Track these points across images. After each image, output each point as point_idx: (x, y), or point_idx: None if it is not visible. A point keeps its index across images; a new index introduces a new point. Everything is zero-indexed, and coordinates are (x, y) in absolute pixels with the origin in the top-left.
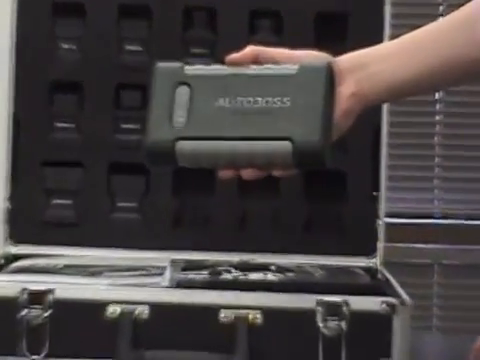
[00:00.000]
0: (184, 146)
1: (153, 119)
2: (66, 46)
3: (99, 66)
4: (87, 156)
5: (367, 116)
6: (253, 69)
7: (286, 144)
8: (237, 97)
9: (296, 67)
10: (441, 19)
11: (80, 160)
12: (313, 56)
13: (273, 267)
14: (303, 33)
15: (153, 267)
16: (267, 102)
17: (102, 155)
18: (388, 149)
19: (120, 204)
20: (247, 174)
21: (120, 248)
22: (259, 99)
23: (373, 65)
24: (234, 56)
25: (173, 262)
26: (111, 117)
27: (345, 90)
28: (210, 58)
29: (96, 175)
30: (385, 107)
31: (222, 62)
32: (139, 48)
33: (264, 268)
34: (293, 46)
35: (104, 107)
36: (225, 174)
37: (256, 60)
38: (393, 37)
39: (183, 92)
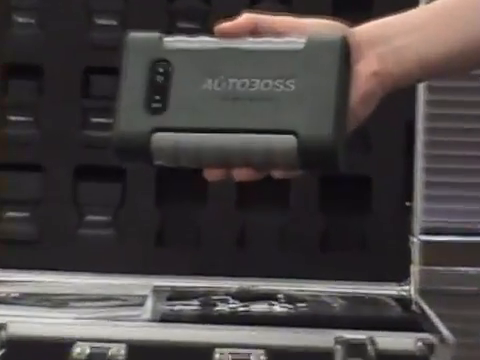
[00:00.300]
0: (162, 139)
1: (123, 105)
2: (22, 20)
3: (63, 45)
4: (48, 157)
5: (397, 107)
6: (249, 42)
7: (289, 139)
8: (229, 78)
9: (303, 40)
10: None
11: (39, 162)
12: (325, 26)
13: (281, 296)
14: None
15: (131, 296)
16: (266, 85)
17: (67, 156)
18: (424, 148)
19: (90, 217)
20: (240, 175)
21: (90, 272)
22: (256, 81)
23: (400, 37)
24: (225, 25)
25: (156, 290)
26: (78, 108)
27: (364, 68)
28: (202, 34)
29: (60, 181)
30: (420, 95)
31: (212, 34)
32: (113, 22)
33: (269, 297)
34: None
35: (69, 96)
36: (213, 174)
37: (253, 31)
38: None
39: (161, 71)
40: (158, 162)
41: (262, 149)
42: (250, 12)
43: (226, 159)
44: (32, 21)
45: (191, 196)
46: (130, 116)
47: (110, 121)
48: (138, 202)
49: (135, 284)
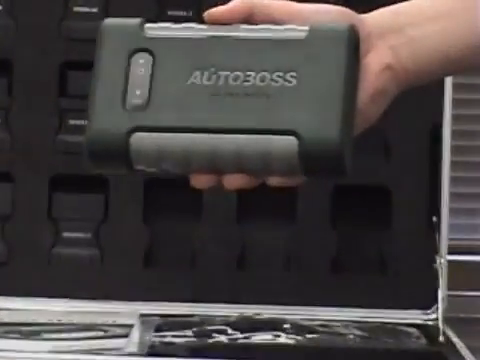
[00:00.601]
0: (143, 139)
1: (98, 101)
2: None
3: (37, 35)
4: (19, 165)
5: (420, 108)
6: (243, 30)
7: (290, 140)
8: (220, 71)
9: (306, 28)
10: None
11: (9, 171)
12: (330, 12)
13: (287, 326)
14: None
15: (114, 326)
16: (263, 79)
17: (41, 164)
18: (452, 155)
19: (67, 234)
20: (232, 182)
21: (67, 298)
22: (251, 74)
23: (416, 26)
24: (217, 10)
25: (143, 318)
26: (54, 109)
27: (375, 61)
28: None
29: (33, 192)
30: (447, 95)
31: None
32: (93, 9)
33: (274, 327)
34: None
35: (43, 95)
36: (201, 181)
37: (248, 18)
38: None
39: (142, 62)
40: (138, 167)
41: (258, 152)
42: None
43: (217, 163)
44: (0, 8)
45: (184, 210)
46: (105, 113)
47: None
48: (123, 217)
49: (119, 312)
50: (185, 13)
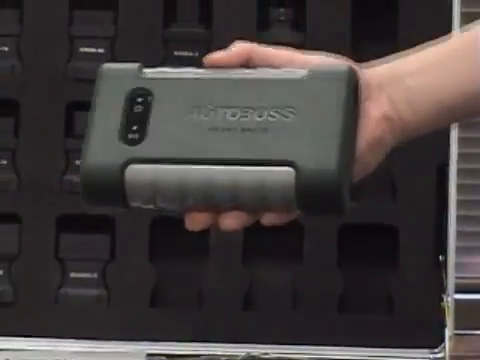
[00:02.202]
0: (137, 171)
1: (94, 137)
2: None
3: (42, 77)
4: (26, 206)
5: (426, 147)
6: (241, 72)
7: (287, 171)
8: (218, 108)
9: (304, 71)
10: None
11: (16, 211)
12: (328, 62)
13: None
14: (337, 27)
15: None
16: (261, 115)
17: (47, 204)
18: (458, 193)
19: (74, 275)
20: (228, 220)
21: (74, 339)
22: (249, 110)
23: (414, 76)
24: (215, 56)
25: (150, 358)
26: (60, 150)
27: (374, 110)
28: (201, 63)
29: (39, 233)
30: (453, 134)
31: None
32: (99, 50)
33: None
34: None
35: (50, 136)
36: (196, 220)
37: (247, 63)
38: (465, 15)
39: (139, 100)
40: (133, 203)
41: (254, 183)
42: (243, 41)
43: (212, 196)
44: (7, 49)
45: (190, 249)
46: (101, 148)
47: None
48: (129, 257)
49: (126, 351)
50: (192, 53)
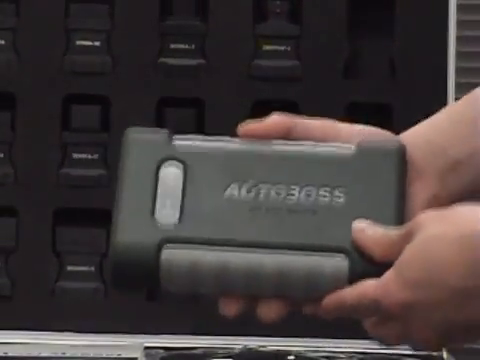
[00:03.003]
0: (176, 254)
1: (124, 211)
2: None
3: (40, 70)
4: (23, 199)
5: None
6: (282, 144)
7: (339, 259)
8: (260, 183)
9: (352, 146)
10: None
11: (13, 205)
12: (374, 135)
13: (292, 357)
14: (330, 20)
15: (119, 358)
16: (308, 194)
17: (44, 197)
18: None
19: (70, 268)
20: (266, 311)
21: (71, 332)
22: (295, 188)
23: (455, 147)
24: (252, 127)
25: (147, 351)
26: (57, 142)
27: (422, 192)
28: (197, 56)
29: (36, 226)
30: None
31: (212, 59)
32: (95, 43)
33: (279, 359)
34: (318, 38)
35: (47, 129)
36: (230, 308)
37: (286, 135)
38: (461, 23)
39: (172, 172)
40: (168, 286)
41: (303, 271)
42: (282, 113)
43: (255, 282)
44: (3, 43)
45: None
46: (132, 225)
47: (94, 157)
48: None
49: (123, 345)
50: (188, 46)
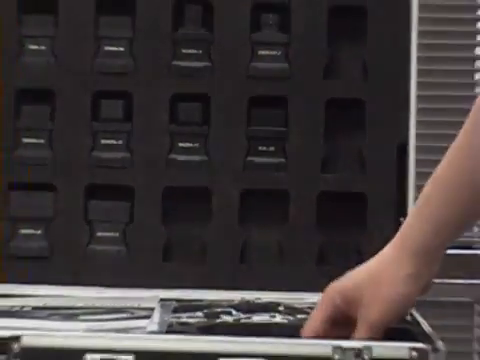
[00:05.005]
0: None
1: None
2: (35, 47)
3: (74, 71)
4: (60, 177)
5: (390, 128)
6: None
7: None
8: None
9: None
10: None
11: (52, 182)
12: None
13: (281, 308)
14: (314, 30)
15: (139, 308)
16: None
17: (78, 176)
18: (416, 167)
19: (99, 234)
20: None
21: (100, 286)
22: None
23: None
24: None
25: (162, 302)
26: (88, 131)
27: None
28: (204, 59)
29: (71, 199)
30: (411, 117)
31: (216, 62)
32: (121, 49)
33: (270, 309)
34: (303, 45)
35: (80, 119)
36: None
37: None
38: (422, 33)
39: None
40: None
41: None
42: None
43: None
44: (44, 48)
45: (195, 214)
46: None
47: (119, 143)
48: (145, 219)
49: (142, 297)
50: (196, 51)
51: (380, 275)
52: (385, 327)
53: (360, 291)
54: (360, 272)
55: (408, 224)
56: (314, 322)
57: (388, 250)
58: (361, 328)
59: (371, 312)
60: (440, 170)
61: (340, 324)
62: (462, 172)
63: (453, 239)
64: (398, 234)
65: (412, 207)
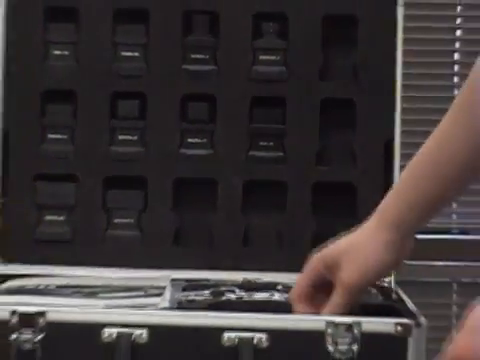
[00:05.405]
0: None
1: None
2: (59, 53)
3: (94, 73)
4: (81, 169)
5: (378, 126)
6: None
7: None
8: None
9: None
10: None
11: (74, 173)
12: None
13: (279, 286)
14: (310, 37)
15: (152, 287)
16: None
17: (97, 168)
18: (401, 160)
19: (116, 220)
20: None
21: (117, 267)
22: None
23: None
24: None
25: (173, 282)
26: (107, 127)
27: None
28: (210, 63)
29: (91, 189)
30: (397, 116)
31: (222, 66)
32: (136, 54)
33: (270, 288)
34: (300, 50)
35: (99, 117)
36: None
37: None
38: (406, 40)
39: None
40: None
41: None
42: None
43: None
44: (67, 53)
45: (203, 202)
46: None
47: (134, 138)
48: (158, 207)
49: (155, 277)
50: (203, 56)
51: (359, 244)
52: (360, 290)
53: (340, 257)
54: (341, 241)
55: (386, 200)
56: (299, 286)
57: (368, 223)
58: (338, 289)
59: (348, 275)
60: (419, 155)
61: (323, 289)
62: (442, 151)
63: (426, 217)
64: (378, 209)
65: None
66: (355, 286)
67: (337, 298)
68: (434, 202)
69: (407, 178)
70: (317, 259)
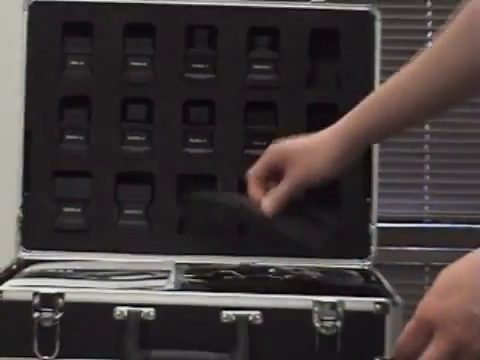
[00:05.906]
0: None
1: None
2: (75, 63)
3: (106, 81)
4: (95, 166)
5: None
6: None
7: None
8: None
9: None
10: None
11: (89, 170)
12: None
13: (272, 270)
14: (298, 48)
15: (158, 271)
16: None
17: (110, 165)
18: (379, 158)
19: (127, 212)
20: None
21: (127, 253)
22: None
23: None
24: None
25: (177, 266)
26: (118, 129)
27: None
28: (210, 72)
29: (104, 184)
30: None
31: (220, 74)
32: (144, 64)
33: (264, 271)
34: (289, 60)
35: (111, 120)
36: None
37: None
38: (384, 51)
39: None
40: None
41: None
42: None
43: None
44: (83, 64)
45: (205, 196)
46: None
47: (142, 139)
48: (164, 200)
49: (161, 262)
50: (203, 66)
51: (313, 147)
52: (303, 184)
53: (295, 153)
54: (300, 141)
55: (342, 120)
56: (257, 167)
57: (325, 132)
58: (285, 180)
59: (297, 170)
60: (388, 84)
61: (274, 176)
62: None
63: (382, 138)
64: (336, 123)
65: (375, 190)
66: (299, 180)
67: (284, 186)
68: (395, 126)
69: (364, 102)
70: (275, 150)
